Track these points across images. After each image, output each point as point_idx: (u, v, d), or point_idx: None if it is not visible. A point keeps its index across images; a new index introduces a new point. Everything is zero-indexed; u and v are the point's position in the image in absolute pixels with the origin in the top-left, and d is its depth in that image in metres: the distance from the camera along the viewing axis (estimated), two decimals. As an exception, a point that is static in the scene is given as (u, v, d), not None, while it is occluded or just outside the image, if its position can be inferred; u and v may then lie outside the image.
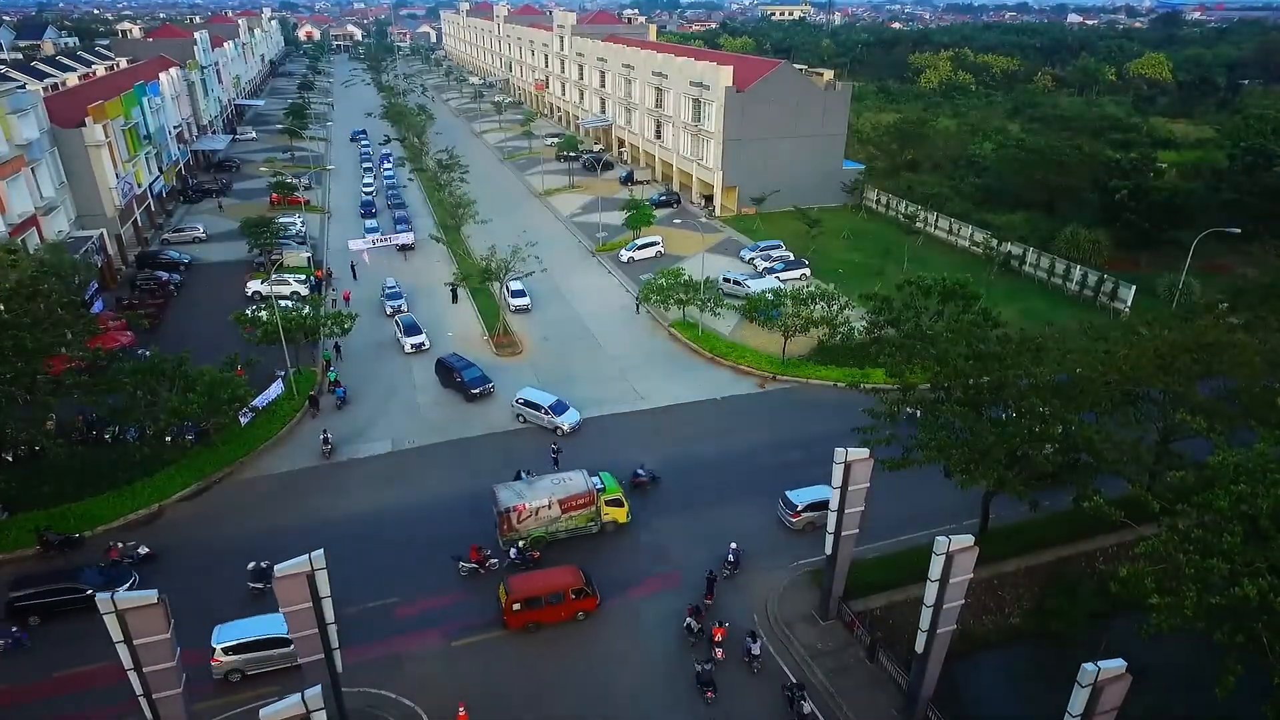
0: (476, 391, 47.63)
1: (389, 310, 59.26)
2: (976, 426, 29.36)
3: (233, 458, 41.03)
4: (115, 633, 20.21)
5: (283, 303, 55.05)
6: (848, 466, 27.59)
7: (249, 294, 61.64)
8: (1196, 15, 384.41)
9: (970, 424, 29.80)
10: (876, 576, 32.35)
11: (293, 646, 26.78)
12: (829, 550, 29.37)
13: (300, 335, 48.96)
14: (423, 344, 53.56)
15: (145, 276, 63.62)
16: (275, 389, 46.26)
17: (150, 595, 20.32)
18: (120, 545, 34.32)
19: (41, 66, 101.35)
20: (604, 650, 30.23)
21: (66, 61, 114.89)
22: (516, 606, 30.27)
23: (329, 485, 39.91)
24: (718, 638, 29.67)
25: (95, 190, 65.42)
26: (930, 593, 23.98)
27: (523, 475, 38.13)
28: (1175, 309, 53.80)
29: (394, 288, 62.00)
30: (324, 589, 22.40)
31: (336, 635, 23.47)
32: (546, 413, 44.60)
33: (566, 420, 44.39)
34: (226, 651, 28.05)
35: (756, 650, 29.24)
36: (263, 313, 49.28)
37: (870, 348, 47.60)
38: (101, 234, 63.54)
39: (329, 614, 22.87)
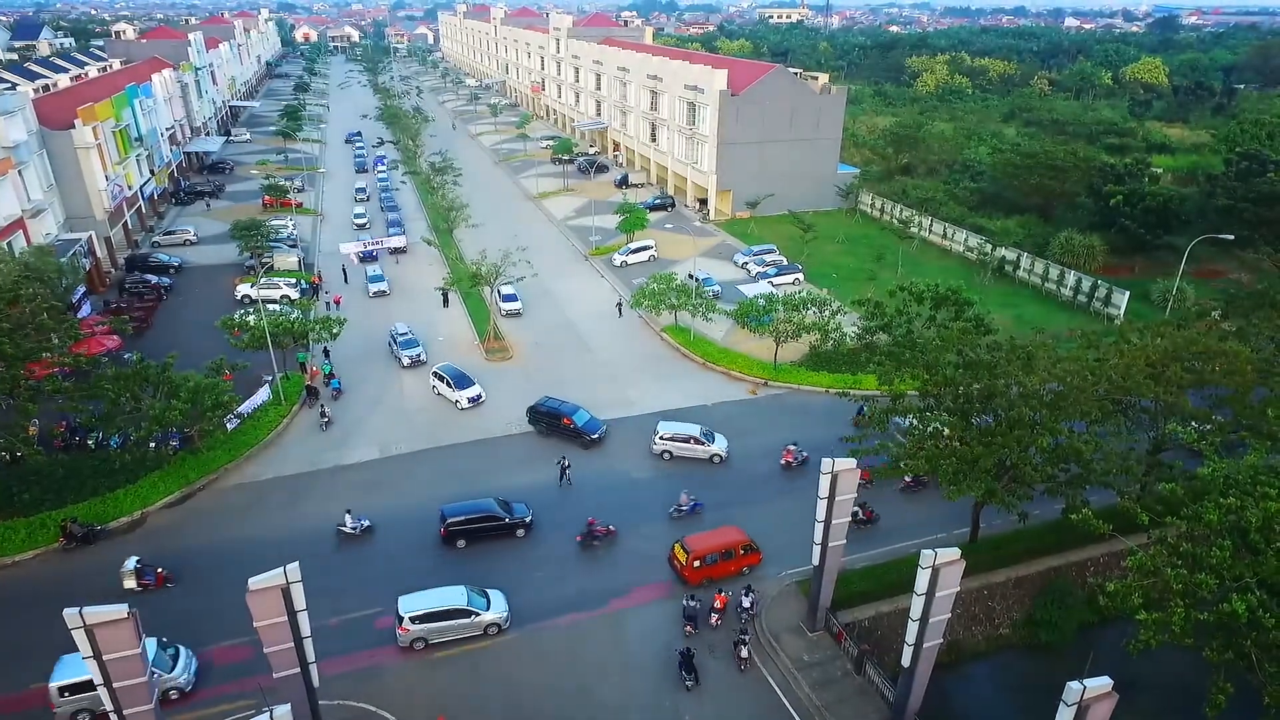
0: (595, 437, 42.81)
1: (406, 360, 51.58)
2: (965, 436, 29.05)
3: (217, 464, 40.58)
4: (84, 648, 19.78)
5: (272, 306, 54.71)
6: (834, 477, 27.24)
7: (239, 297, 61.21)
8: (1193, 20, 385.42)
9: (959, 433, 29.48)
10: (865, 587, 31.96)
11: (474, 618, 29.84)
12: (816, 560, 29.02)
13: (289, 340, 48.54)
14: (480, 396, 47.20)
15: (134, 280, 63.20)
16: (262, 394, 45.89)
17: (120, 610, 19.90)
18: (685, 494, 37.78)
19: (33, 68, 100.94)
20: (589, 661, 29.84)
21: (59, 63, 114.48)
22: (697, 564, 32.42)
23: (314, 492, 39.50)
24: (718, 604, 31.19)
25: (84, 192, 65.05)
26: (916, 606, 23.62)
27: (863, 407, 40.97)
28: (1169, 315, 53.62)
29: (406, 334, 53.53)
30: (299, 602, 22.01)
31: (312, 649, 23.06)
32: (699, 442, 41.51)
33: (720, 446, 41.69)
34: (413, 621, 29.28)
35: (748, 603, 31.19)
36: (250, 317, 48.87)
37: (862, 354, 47.36)
38: (90, 236, 63.15)
39: (305, 627, 22.48)
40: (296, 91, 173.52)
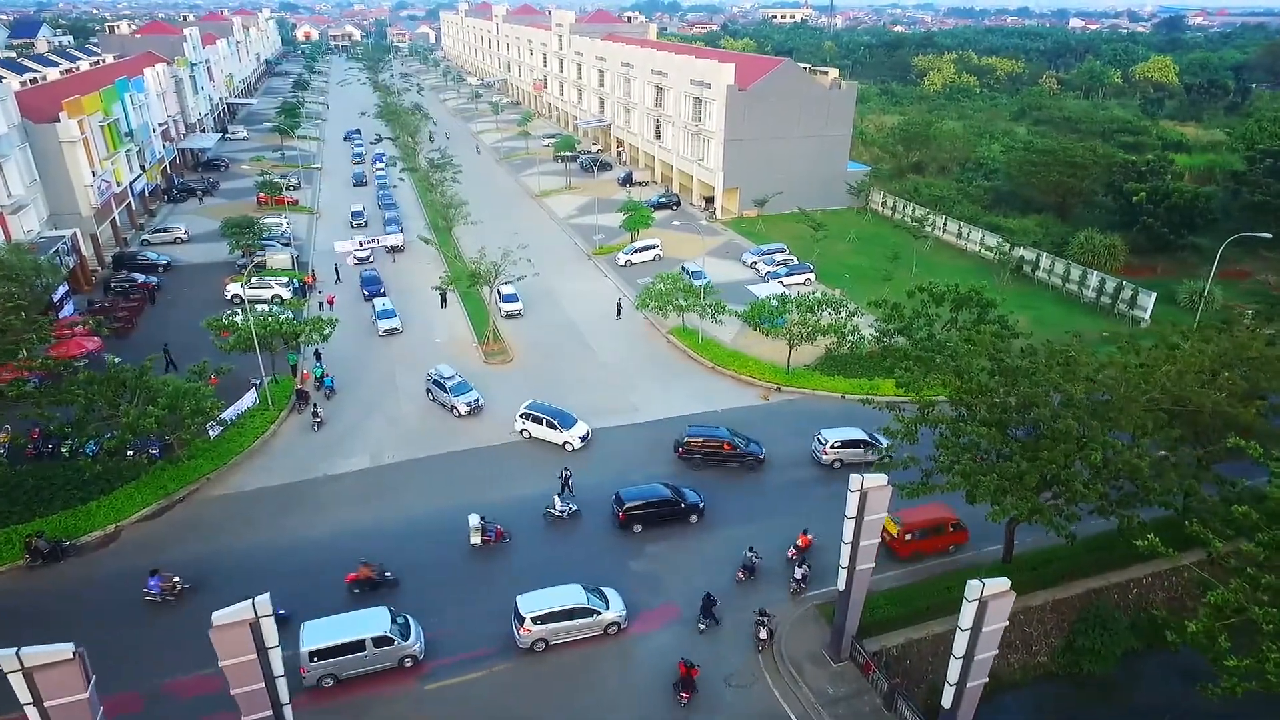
0: (762, 458, 39.71)
1: (463, 408, 43.80)
2: (1005, 449, 26.56)
3: (199, 474, 38.19)
4: (22, 694, 17.40)
5: (262, 306, 52.44)
6: (863, 494, 24.83)
7: (228, 297, 58.85)
8: (1198, 20, 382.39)
9: (997, 446, 26.99)
10: (892, 611, 29.56)
11: (595, 617, 28.68)
12: (842, 585, 26.59)
13: (279, 341, 46.02)
14: (589, 434, 41.99)
15: (121, 278, 60.86)
16: (248, 399, 43.55)
17: (65, 649, 17.52)
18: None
19: (24, 62, 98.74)
20: (591, 697, 27.40)
21: (52, 58, 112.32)
22: (908, 537, 32.43)
23: (300, 504, 37.10)
24: (800, 543, 32.33)
25: (70, 188, 62.73)
26: (960, 643, 21.21)
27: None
28: (1201, 318, 51.17)
29: (454, 377, 45.42)
30: (270, 638, 19.61)
31: (286, 688, 20.67)
32: (869, 445, 38.37)
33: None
34: (535, 621, 28.10)
35: (799, 575, 31.19)
36: (238, 317, 46.49)
37: (884, 360, 44.82)
38: (75, 234, 60.71)
39: (277, 665, 20.08)
40: (295, 89, 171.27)
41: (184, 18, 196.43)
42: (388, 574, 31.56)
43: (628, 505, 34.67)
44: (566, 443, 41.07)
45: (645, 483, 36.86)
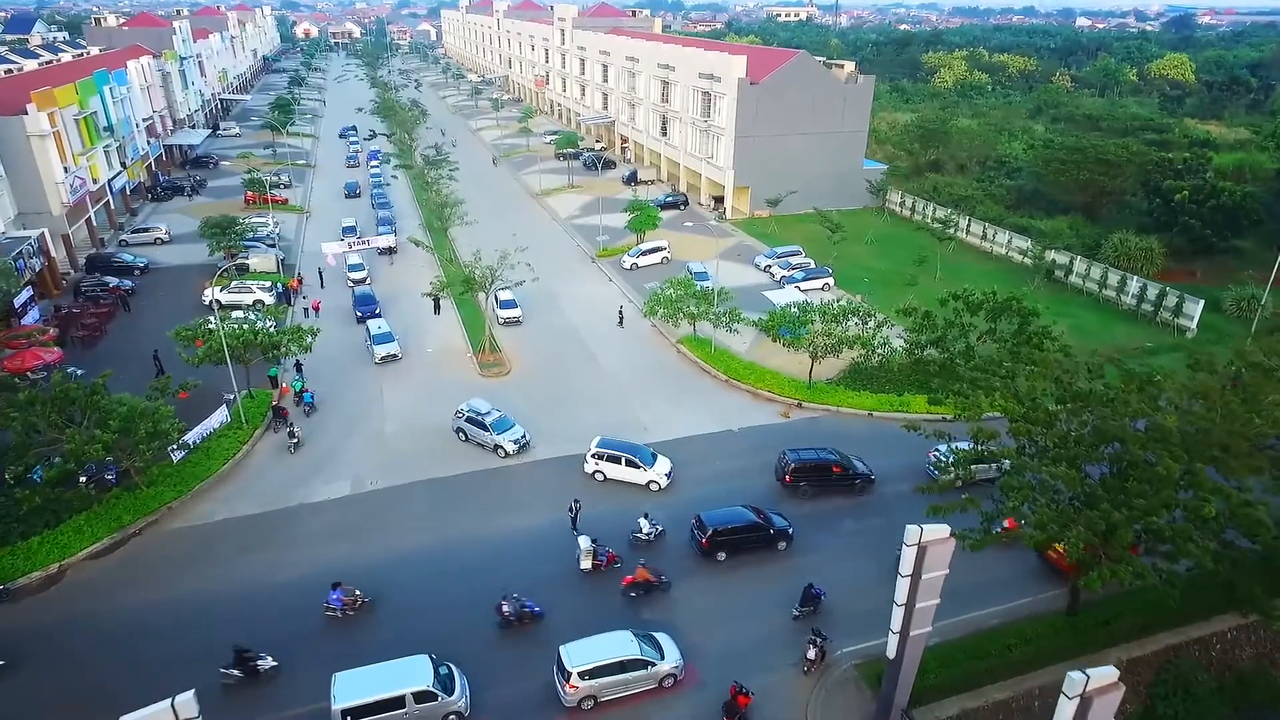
0: (873, 478, 36.17)
1: (510, 447, 38.56)
2: (1090, 495, 22.45)
3: (158, 503, 34.24)
4: None
5: (238, 313, 48.57)
6: (922, 549, 20.85)
7: (206, 302, 54.88)
8: (1206, 19, 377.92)
9: (1074, 489, 22.90)
10: (944, 675, 25.54)
11: (650, 669, 25.57)
12: (891, 653, 22.63)
13: (257, 353, 41.82)
14: (672, 471, 37.08)
15: (92, 282, 56.95)
16: (218, 416, 39.62)
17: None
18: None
19: (6, 54, 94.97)
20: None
21: (37, 51, 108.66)
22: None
23: (271, 538, 33.16)
24: (1008, 525, 27.93)
25: (39, 185, 58.81)
26: (1055, 746, 17.22)
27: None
28: (1258, 328, 47.20)
29: (491, 413, 39.83)
30: (197, 745, 15.69)
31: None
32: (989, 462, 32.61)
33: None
34: (583, 676, 25.06)
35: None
36: (211, 325, 42.46)
37: (930, 380, 40.51)
38: (43, 234, 56.72)
39: (207, 777, 16.16)
40: (291, 85, 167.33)
41: (178, 12, 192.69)
42: (664, 577, 30.27)
43: (712, 531, 31.50)
44: (652, 482, 36.00)
45: (676, 510, 33.38)
